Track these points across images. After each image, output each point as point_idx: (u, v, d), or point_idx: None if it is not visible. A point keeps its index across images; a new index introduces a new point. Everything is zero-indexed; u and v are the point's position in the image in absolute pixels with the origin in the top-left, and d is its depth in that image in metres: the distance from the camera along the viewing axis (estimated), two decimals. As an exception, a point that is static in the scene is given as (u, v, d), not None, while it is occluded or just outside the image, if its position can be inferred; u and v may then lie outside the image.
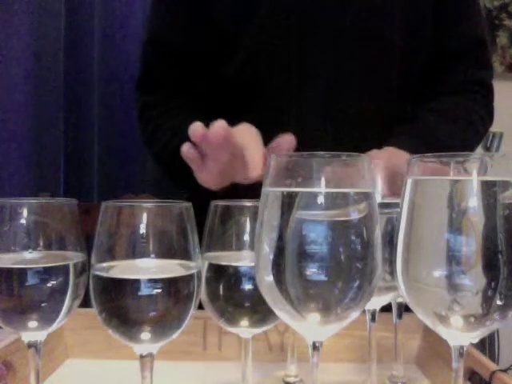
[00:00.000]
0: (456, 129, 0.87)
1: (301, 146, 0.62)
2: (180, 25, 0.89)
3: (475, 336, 0.41)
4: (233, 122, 0.64)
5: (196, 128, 0.61)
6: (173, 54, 0.90)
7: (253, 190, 0.50)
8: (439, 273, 0.39)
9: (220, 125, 0.60)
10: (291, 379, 0.64)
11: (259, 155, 0.59)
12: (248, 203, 0.51)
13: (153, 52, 0.92)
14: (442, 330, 0.41)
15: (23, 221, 0.48)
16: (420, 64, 0.92)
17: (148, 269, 0.44)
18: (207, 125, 0.62)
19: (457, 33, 0.93)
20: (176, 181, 0.92)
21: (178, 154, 0.66)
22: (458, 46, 0.93)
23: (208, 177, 0.65)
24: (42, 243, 0.48)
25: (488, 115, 0.95)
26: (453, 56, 0.94)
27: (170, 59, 0.90)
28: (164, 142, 0.86)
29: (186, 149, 0.63)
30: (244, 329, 0.51)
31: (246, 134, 0.62)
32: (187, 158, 0.64)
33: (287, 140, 0.61)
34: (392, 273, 0.43)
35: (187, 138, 0.63)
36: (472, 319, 0.39)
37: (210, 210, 0.53)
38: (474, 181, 0.38)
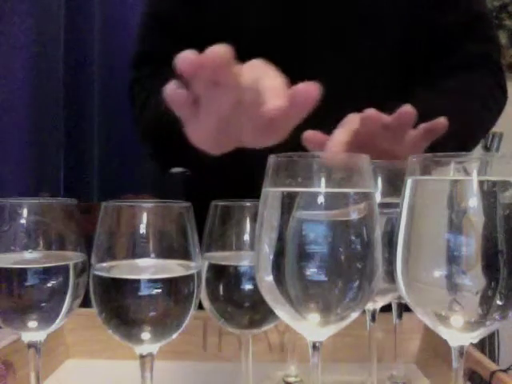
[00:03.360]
0: (456, 104, 0.75)
1: (298, 146, 0.58)
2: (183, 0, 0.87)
3: (475, 336, 0.41)
4: None
5: (185, 55, 0.44)
6: (175, 28, 0.88)
7: (262, 159, 0.42)
8: (439, 273, 0.39)
9: (220, 47, 0.43)
10: (291, 379, 0.64)
11: (279, 84, 0.44)
12: (248, 203, 0.51)
13: (154, 25, 0.90)
14: (442, 330, 0.41)
15: (23, 221, 0.48)
16: (418, 53, 0.88)
17: (148, 269, 0.44)
18: None
19: (452, 8, 0.87)
20: (168, 159, 0.76)
21: (170, 122, 0.53)
22: (455, 21, 0.86)
23: (202, 129, 0.49)
24: (42, 243, 0.48)
25: (500, 92, 0.87)
26: (450, 33, 0.87)
27: (172, 34, 0.88)
28: (154, 109, 0.71)
29: (171, 88, 0.46)
30: (244, 329, 0.51)
31: (260, 67, 0.47)
32: (173, 101, 0.47)
33: (311, 91, 0.45)
34: (392, 273, 0.43)
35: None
36: (472, 319, 0.39)
37: (210, 209, 0.53)
38: (474, 181, 0.38)
